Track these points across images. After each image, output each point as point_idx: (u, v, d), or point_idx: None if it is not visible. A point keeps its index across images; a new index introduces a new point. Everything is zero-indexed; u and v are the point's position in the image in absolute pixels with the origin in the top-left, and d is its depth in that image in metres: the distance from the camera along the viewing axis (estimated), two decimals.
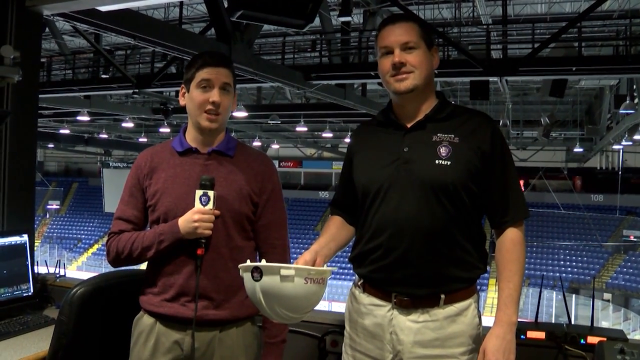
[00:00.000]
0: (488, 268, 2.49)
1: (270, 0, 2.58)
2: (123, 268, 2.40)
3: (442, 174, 2.03)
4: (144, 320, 2.27)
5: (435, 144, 2.07)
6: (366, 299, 2.16)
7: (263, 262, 1.96)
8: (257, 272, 1.88)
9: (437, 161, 2.04)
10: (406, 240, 2.04)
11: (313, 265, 2.00)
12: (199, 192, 2.18)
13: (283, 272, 1.86)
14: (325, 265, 2.05)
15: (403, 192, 2.06)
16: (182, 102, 2.32)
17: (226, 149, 2.31)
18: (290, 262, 2.30)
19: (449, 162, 2.03)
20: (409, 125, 2.14)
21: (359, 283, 2.21)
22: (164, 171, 2.28)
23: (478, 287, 2.18)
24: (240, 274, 1.95)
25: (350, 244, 2.30)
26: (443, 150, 2.05)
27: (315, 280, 1.91)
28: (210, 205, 2.17)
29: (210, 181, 2.18)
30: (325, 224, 2.36)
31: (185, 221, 2.17)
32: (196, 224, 2.15)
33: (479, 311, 2.13)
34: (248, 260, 1.95)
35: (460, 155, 2.04)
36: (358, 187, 2.20)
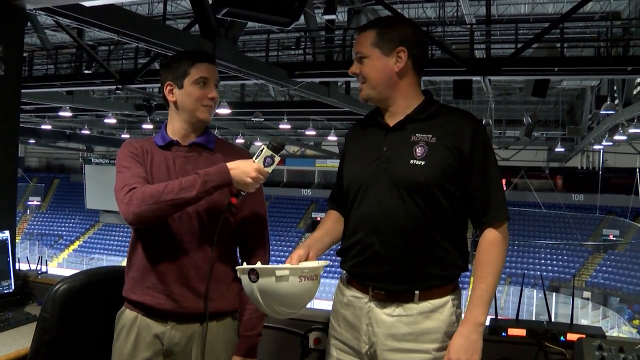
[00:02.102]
0: (470, 267, 2.48)
1: None
2: (106, 265, 2.38)
3: (415, 174, 2.05)
4: (126, 315, 2.28)
5: (412, 144, 2.09)
6: (348, 291, 2.21)
7: (259, 265, 2.02)
8: (254, 274, 1.96)
9: (411, 161, 2.07)
10: (382, 238, 2.09)
11: (306, 259, 2.09)
12: (267, 152, 2.16)
13: (278, 272, 1.95)
14: (317, 259, 2.13)
15: (380, 191, 2.10)
16: (171, 98, 2.32)
17: (207, 142, 2.35)
18: (269, 252, 2.41)
19: (423, 162, 2.06)
20: (391, 125, 2.17)
21: (344, 275, 2.27)
22: (154, 158, 2.29)
23: (460, 285, 2.20)
24: (238, 275, 2.02)
25: None
26: (419, 150, 2.08)
27: (309, 277, 1.99)
28: (270, 169, 2.17)
29: (282, 146, 2.19)
30: (322, 219, 2.41)
31: (242, 172, 2.13)
32: (251, 180, 2.14)
33: (459, 309, 2.14)
34: (244, 263, 2.04)
35: (436, 155, 2.06)
36: (344, 184, 2.26)
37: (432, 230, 2.08)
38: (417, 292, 2.08)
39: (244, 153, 2.39)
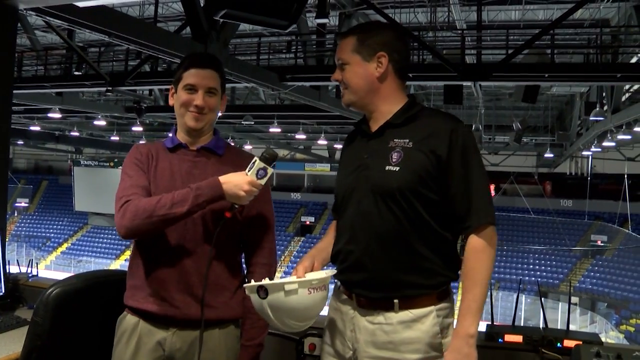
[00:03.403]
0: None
1: (255, 0, 2.56)
2: (101, 269, 2.37)
3: (389, 180, 2.03)
4: (127, 320, 2.25)
5: (389, 150, 2.08)
6: (339, 296, 2.22)
7: (266, 281, 2.02)
8: (263, 291, 1.96)
9: (387, 167, 2.05)
10: (361, 245, 2.09)
11: (311, 270, 2.11)
12: (259, 164, 2.14)
13: (287, 287, 1.95)
14: (323, 268, 2.16)
15: (360, 198, 2.11)
16: (170, 102, 2.33)
17: (215, 147, 2.32)
18: (276, 261, 2.39)
19: (397, 168, 2.03)
20: (372, 131, 2.17)
21: (338, 281, 2.27)
22: (160, 162, 2.28)
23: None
24: (247, 294, 2.01)
25: None
26: (394, 156, 2.05)
27: (318, 288, 2.00)
28: (263, 181, 2.14)
29: (274, 157, 2.16)
30: (327, 228, 2.41)
31: (234, 185, 2.10)
32: (244, 193, 2.10)
33: (448, 319, 2.08)
34: (252, 281, 2.01)
35: (410, 160, 2.03)
36: (334, 192, 2.27)
37: (410, 238, 2.04)
38: (395, 300, 2.05)
39: (252, 158, 2.37)
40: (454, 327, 2.04)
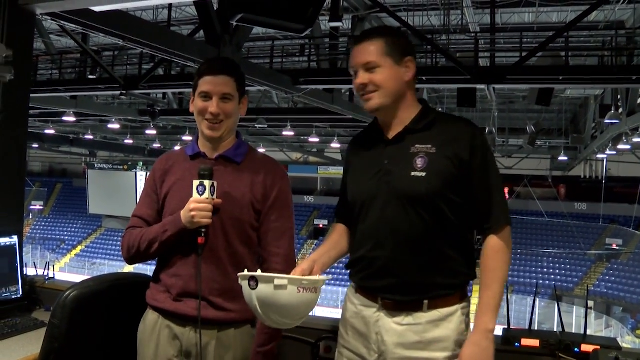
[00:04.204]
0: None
1: (271, 4, 2.57)
2: (116, 272, 2.42)
3: (417, 186, 2.06)
4: (149, 316, 2.35)
5: (412, 156, 2.10)
6: (357, 300, 2.22)
7: (259, 272, 2.05)
8: (254, 281, 1.99)
9: (412, 173, 2.08)
10: (387, 251, 2.10)
11: (310, 274, 2.10)
12: (195, 182, 2.24)
13: (277, 281, 1.98)
14: (322, 273, 2.14)
15: (384, 205, 2.12)
16: (191, 109, 2.37)
17: (234, 155, 2.35)
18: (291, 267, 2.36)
19: (424, 174, 2.07)
20: (390, 138, 2.18)
21: (353, 285, 2.28)
22: (174, 175, 2.36)
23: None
24: (239, 282, 2.04)
25: None
26: (419, 162, 2.08)
27: (309, 290, 2.01)
28: (206, 195, 2.22)
29: (207, 171, 2.24)
30: (328, 232, 2.43)
31: (184, 211, 2.23)
32: (193, 213, 2.21)
33: (468, 318, 2.14)
34: (246, 270, 2.05)
35: (436, 165, 2.07)
36: (349, 198, 2.27)
37: (437, 241, 2.08)
38: (426, 301, 2.08)
39: (274, 166, 2.41)
40: (474, 322, 2.07)
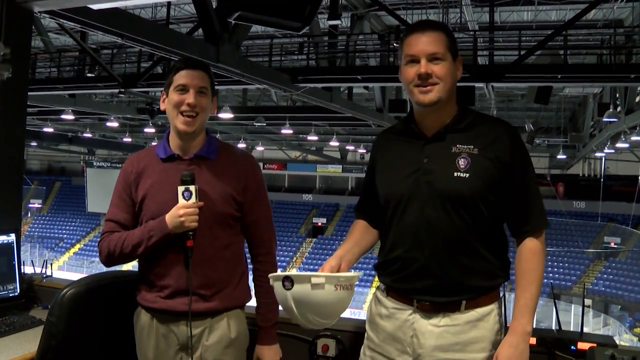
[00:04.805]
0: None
1: (269, 2, 2.57)
2: (115, 269, 2.45)
3: (460, 187, 2.03)
4: (142, 317, 2.37)
5: (454, 156, 2.06)
6: (389, 302, 2.19)
7: (293, 272, 2.03)
8: (288, 281, 1.95)
9: (455, 173, 2.04)
10: (426, 252, 2.06)
11: (338, 271, 2.07)
12: (180, 188, 2.27)
13: (314, 280, 1.94)
14: (349, 270, 2.11)
15: (423, 204, 2.07)
16: (162, 106, 2.40)
17: (207, 153, 2.39)
18: (276, 252, 2.51)
19: (467, 175, 2.03)
20: (429, 136, 2.13)
21: (383, 287, 2.24)
22: (149, 177, 2.37)
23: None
24: (271, 283, 2.02)
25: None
26: (462, 162, 2.05)
27: (344, 287, 1.98)
28: (193, 199, 2.26)
29: (190, 176, 2.28)
30: (350, 228, 2.38)
31: (171, 217, 2.26)
32: (182, 219, 2.24)
33: (501, 317, 2.14)
34: (278, 270, 2.09)
35: (479, 166, 2.04)
36: (380, 196, 2.21)
37: (476, 242, 2.07)
38: (464, 302, 2.07)
39: (244, 155, 2.48)
40: (511, 323, 2.06)
